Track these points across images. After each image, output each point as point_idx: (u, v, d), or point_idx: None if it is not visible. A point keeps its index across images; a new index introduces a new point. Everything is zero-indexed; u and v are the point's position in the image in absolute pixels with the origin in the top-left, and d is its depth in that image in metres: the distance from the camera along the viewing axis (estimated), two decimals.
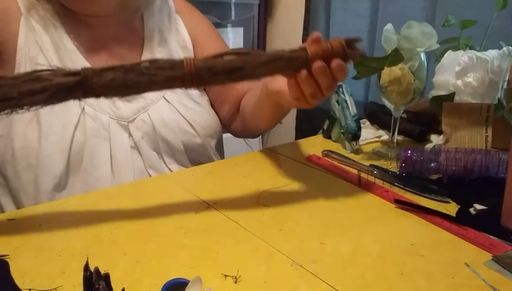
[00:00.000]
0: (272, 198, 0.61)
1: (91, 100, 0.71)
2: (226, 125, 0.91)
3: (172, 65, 0.51)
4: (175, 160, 0.77)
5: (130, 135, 0.73)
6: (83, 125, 0.69)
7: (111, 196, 0.62)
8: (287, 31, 2.07)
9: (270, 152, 0.80)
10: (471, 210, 0.57)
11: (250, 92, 0.86)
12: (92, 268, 0.36)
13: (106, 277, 0.36)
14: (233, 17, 2.07)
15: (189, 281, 0.40)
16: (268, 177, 0.69)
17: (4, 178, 0.71)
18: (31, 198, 0.67)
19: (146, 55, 0.80)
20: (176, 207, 0.57)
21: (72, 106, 0.69)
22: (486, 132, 0.72)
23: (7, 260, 0.44)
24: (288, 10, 2.07)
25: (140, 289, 0.41)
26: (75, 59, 0.72)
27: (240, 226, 0.53)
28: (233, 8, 1.95)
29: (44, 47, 0.71)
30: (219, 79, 0.53)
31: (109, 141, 0.71)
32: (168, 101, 0.78)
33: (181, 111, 0.78)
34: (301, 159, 0.76)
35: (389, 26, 0.74)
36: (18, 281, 0.41)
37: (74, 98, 0.51)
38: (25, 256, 0.46)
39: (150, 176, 0.73)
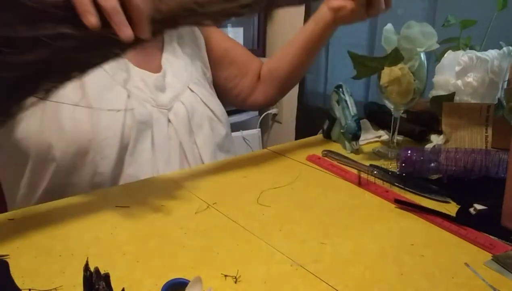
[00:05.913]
0: (272, 198, 0.61)
1: (133, 89, 0.73)
2: (245, 99, 0.98)
3: None
4: (209, 150, 0.79)
5: (170, 121, 0.76)
6: (131, 110, 0.71)
7: (111, 196, 0.62)
8: (287, 31, 2.07)
9: (270, 152, 0.80)
10: (471, 210, 0.57)
11: (277, 54, 0.95)
12: (92, 268, 0.36)
13: (106, 277, 0.36)
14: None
15: (189, 281, 0.40)
16: (268, 177, 0.69)
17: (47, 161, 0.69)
18: (85, 181, 0.68)
19: (166, 56, 0.83)
20: (176, 207, 0.58)
21: (118, 93, 0.71)
22: (486, 132, 0.72)
23: (7, 260, 0.44)
24: (288, 10, 2.07)
25: (140, 289, 0.41)
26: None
27: (240, 226, 0.53)
28: None
29: None
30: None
31: (151, 129, 0.73)
32: (192, 91, 0.81)
33: (204, 100, 0.82)
34: (301, 159, 0.76)
35: (389, 26, 0.74)
36: (18, 281, 0.41)
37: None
38: (25, 256, 0.46)
39: (188, 164, 0.76)
